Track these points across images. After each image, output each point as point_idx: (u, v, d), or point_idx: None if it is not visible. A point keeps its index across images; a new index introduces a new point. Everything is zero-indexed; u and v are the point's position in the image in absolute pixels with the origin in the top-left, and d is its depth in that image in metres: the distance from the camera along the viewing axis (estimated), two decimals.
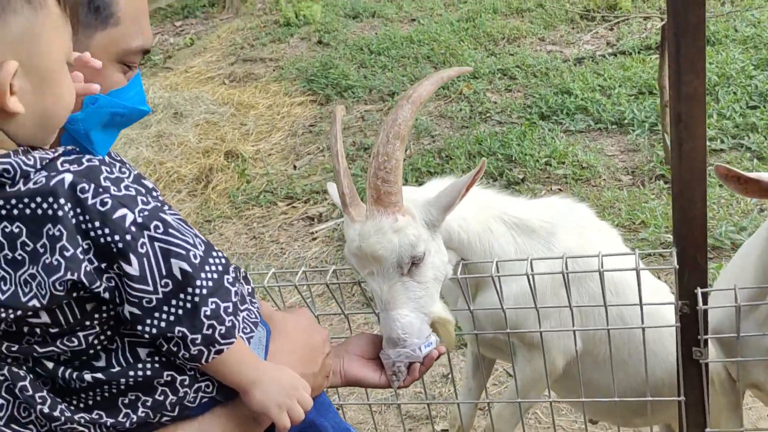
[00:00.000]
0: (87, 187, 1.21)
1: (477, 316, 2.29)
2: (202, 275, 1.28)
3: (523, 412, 2.46)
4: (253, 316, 1.49)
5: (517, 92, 6.89)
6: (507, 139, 5.86)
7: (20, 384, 1.31)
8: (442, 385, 3.81)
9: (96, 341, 1.30)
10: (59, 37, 1.22)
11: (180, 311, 1.27)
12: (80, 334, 1.29)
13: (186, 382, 1.37)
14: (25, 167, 1.20)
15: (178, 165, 6.47)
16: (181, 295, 1.27)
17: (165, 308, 1.27)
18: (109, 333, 1.31)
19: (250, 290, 1.51)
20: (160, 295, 1.26)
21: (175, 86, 8.07)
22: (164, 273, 1.25)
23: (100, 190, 1.22)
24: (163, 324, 1.27)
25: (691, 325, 1.88)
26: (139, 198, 1.25)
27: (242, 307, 1.42)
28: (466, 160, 5.75)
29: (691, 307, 1.85)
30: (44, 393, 1.33)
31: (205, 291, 1.28)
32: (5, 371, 1.32)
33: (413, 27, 8.89)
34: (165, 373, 1.35)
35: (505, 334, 2.11)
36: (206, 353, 1.31)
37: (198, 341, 1.30)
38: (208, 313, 1.29)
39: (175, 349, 1.30)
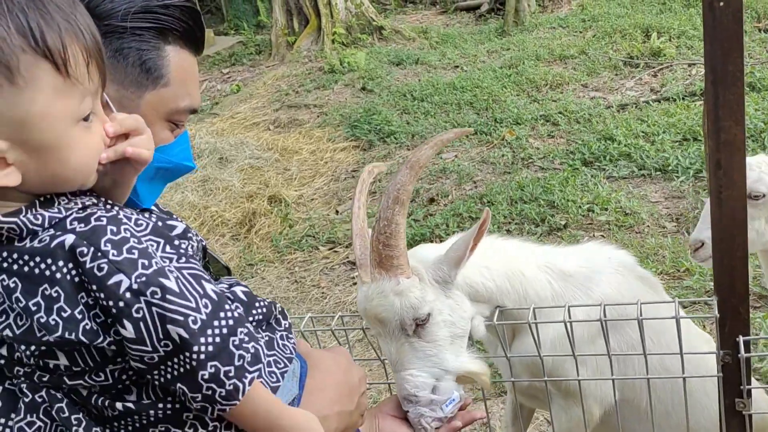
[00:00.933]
0: (86, 251, 1.23)
1: (513, 363, 2.28)
2: (202, 340, 1.28)
3: None
4: (288, 351, 1.50)
5: (559, 138, 6.88)
6: (549, 185, 5.84)
7: (57, 406, 1.34)
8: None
9: (125, 377, 1.33)
10: (58, 103, 1.22)
11: (180, 370, 1.28)
12: (107, 370, 1.31)
13: (214, 416, 1.38)
14: (31, 226, 1.24)
15: (223, 209, 6.56)
16: (180, 357, 1.27)
17: (168, 364, 1.28)
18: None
19: (287, 325, 1.54)
20: (162, 353, 1.27)
21: (221, 132, 8.21)
22: (161, 336, 1.26)
23: (99, 254, 1.23)
24: (168, 377, 1.29)
25: (733, 374, 1.85)
26: (140, 261, 1.26)
27: (253, 368, 1.38)
28: (508, 206, 5.74)
29: (733, 357, 1.82)
30: (80, 416, 1.35)
31: (203, 356, 1.28)
32: (43, 393, 1.34)
33: (456, 74, 8.96)
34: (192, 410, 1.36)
35: (542, 382, 2.09)
36: (210, 409, 1.32)
37: (198, 399, 1.30)
38: (206, 377, 1.29)
39: (183, 398, 1.32)
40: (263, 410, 1.38)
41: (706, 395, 2.30)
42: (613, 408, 2.30)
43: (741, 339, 1.80)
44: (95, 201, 1.35)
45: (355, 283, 5.37)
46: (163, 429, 1.37)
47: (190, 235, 1.39)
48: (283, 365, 1.47)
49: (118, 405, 1.33)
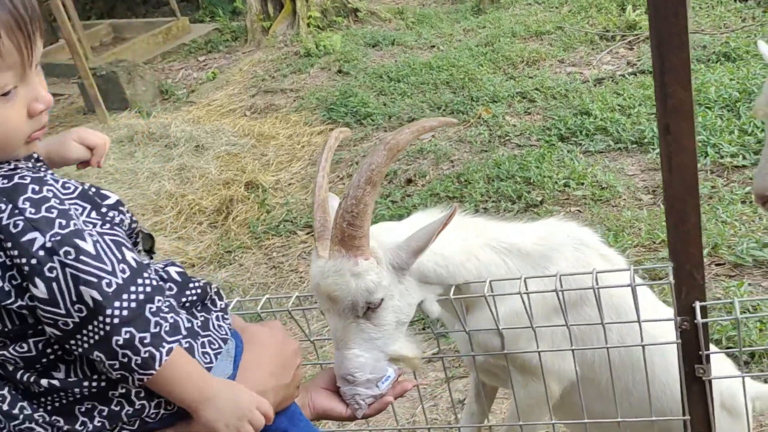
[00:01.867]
0: (4, 207, 1.24)
1: (467, 339, 2.27)
2: (116, 304, 1.27)
3: None
4: (223, 331, 1.50)
5: (536, 114, 6.87)
6: (526, 162, 5.83)
7: None
8: (459, 410, 3.76)
9: (49, 350, 1.32)
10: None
11: (96, 337, 1.28)
12: (30, 340, 1.31)
13: (141, 395, 1.38)
14: None
15: (200, 197, 6.52)
16: (95, 322, 1.27)
17: (83, 331, 1.27)
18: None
19: (223, 306, 1.54)
20: (77, 319, 1.26)
21: (198, 120, 8.15)
22: (75, 299, 1.25)
23: (16, 211, 1.24)
24: (85, 345, 1.28)
25: (691, 341, 1.84)
26: (57, 221, 1.25)
27: (171, 338, 1.37)
28: (485, 184, 5.72)
29: (691, 323, 1.81)
30: (4, 391, 1.35)
31: (117, 321, 1.27)
32: None
33: (433, 53, 8.92)
34: (119, 385, 1.36)
35: (498, 358, 2.08)
36: (129, 378, 1.32)
37: (116, 366, 1.30)
38: (121, 342, 1.28)
39: (103, 369, 1.31)
40: (185, 381, 1.37)
41: (666, 371, 2.27)
42: (572, 386, 2.28)
43: (698, 305, 1.78)
44: (30, 165, 1.34)
45: None
46: (89, 406, 1.37)
47: (122, 209, 1.39)
48: (217, 346, 1.47)
49: (44, 381, 1.33)
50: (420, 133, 2.02)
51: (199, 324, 1.47)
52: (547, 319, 2.14)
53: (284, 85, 8.81)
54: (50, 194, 1.28)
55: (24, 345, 1.31)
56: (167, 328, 1.35)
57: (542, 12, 9.49)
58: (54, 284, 1.24)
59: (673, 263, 1.78)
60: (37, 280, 1.24)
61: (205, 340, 1.46)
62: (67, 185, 1.32)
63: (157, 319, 1.33)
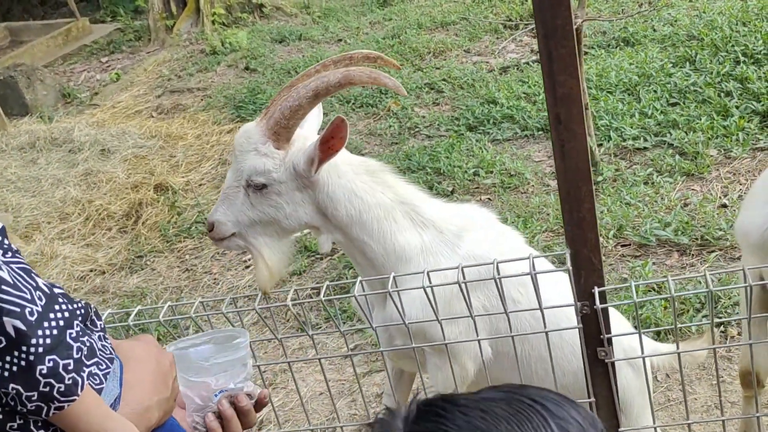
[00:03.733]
0: None
1: (387, 328, 2.29)
2: (39, 332, 1.24)
3: None
4: (108, 351, 1.47)
5: (444, 105, 6.92)
6: (435, 153, 5.87)
7: None
8: (377, 405, 3.77)
9: None
10: None
11: (14, 368, 1.23)
12: None
13: (39, 424, 1.33)
14: None
15: (108, 202, 6.36)
16: (15, 353, 1.22)
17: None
18: None
19: (102, 326, 1.50)
20: None
21: (102, 123, 7.95)
22: None
23: None
24: None
25: (592, 325, 1.88)
26: None
27: (90, 362, 1.36)
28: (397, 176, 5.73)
29: (591, 307, 1.84)
30: None
31: (41, 349, 1.24)
32: None
33: (340, 47, 8.90)
34: (17, 417, 1.31)
35: (416, 342, 2.09)
36: (45, 409, 1.27)
37: (34, 398, 1.25)
38: (45, 371, 1.25)
39: (12, 403, 1.26)
40: (93, 411, 1.33)
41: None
42: (488, 362, 2.32)
43: (596, 290, 1.82)
44: None
45: (247, 267, 5.30)
46: None
47: (7, 233, 1.34)
48: (104, 366, 1.43)
49: None
50: (375, 81, 2.21)
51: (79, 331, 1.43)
52: (457, 298, 2.18)
53: (191, 84, 8.67)
54: None
55: None
56: (86, 352, 1.33)
57: (447, 2, 9.57)
58: None
59: (571, 249, 1.81)
60: None
61: (93, 369, 1.41)
62: None
63: (78, 344, 1.31)
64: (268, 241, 2.22)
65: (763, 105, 5.36)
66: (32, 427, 1.33)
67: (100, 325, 1.50)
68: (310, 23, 10.07)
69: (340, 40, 9.23)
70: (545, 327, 1.91)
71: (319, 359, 2.15)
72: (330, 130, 2.11)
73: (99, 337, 1.48)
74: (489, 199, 5.27)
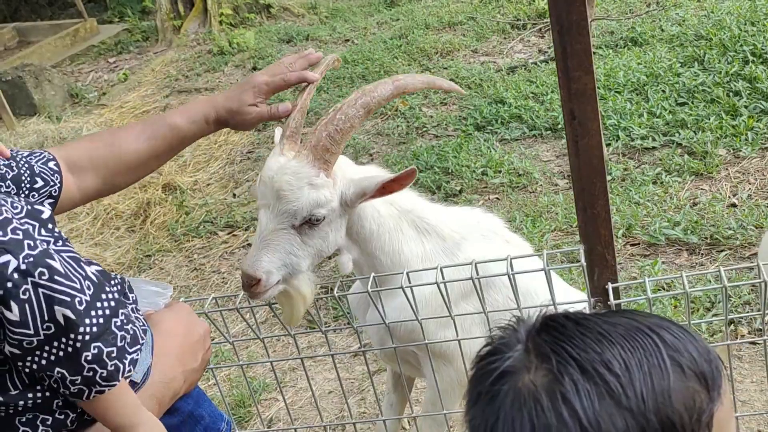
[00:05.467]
0: None
1: (377, 329, 2.28)
2: (87, 321, 1.29)
3: (445, 421, 2.44)
4: (140, 323, 1.52)
5: (452, 105, 6.92)
6: (443, 152, 5.87)
7: None
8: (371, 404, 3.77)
9: None
10: None
11: (60, 353, 1.28)
12: None
13: (59, 403, 1.38)
14: None
15: (116, 201, 6.38)
16: (63, 339, 1.27)
17: (46, 348, 1.27)
18: (1, 356, 1.31)
19: (134, 299, 1.56)
20: (42, 337, 1.26)
21: (110, 123, 7.97)
22: (46, 318, 1.25)
23: None
24: (43, 362, 1.28)
25: None
26: (26, 242, 1.25)
27: (132, 349, 1.41)
28: None
29: (604, 304, 1.84)
30: None
31: (88, 337, 1.29)
32: None
33: (347, 47, 8.91)
34: (37, 391, 1.36)
35: (409, 346, 2.10)
36: (86, 392, 1.32)
37: (78, 382, 1.31)
38: (90, 357, 1.30)
39: (55, 385, 1.31)
40: (124, 400, 1.38)
41: None
42: None
43: (610, 286, 1.82)
44: None
45: None
46: (30, 416, 1.36)
47: (51, 226, 1.39)
48: (142, 324, 1.49)
49: None
50: (428, 86, 2.10)
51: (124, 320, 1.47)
52: (455, 305, 2.17)
53: (198, 84, 8.68)
54: (9, 215, 1.28)
55: None
56: (129, 340, 1.38)
57: (454, 3, 9.57)
58: (27, 306, 1.24)
59: (585, 245, 1.82)
60: (12, 303, 1.23)
61: (135, 356, 1.46)
62: (15, 205, 1.32)
63: (122, 333, 1.36)
64: (306, 278, 2.09)
65: None
66: (53, 407, 1.37)
67: (133, 297, 1.56)
68: (318, 23, 10.08)
69: (348, 40, 9.24)
70: None
71: (332, 355, 2.15)
72: (400, 177, 2.02)
73: (132, 309, 1.54)
74: (497, 198, 5.27)
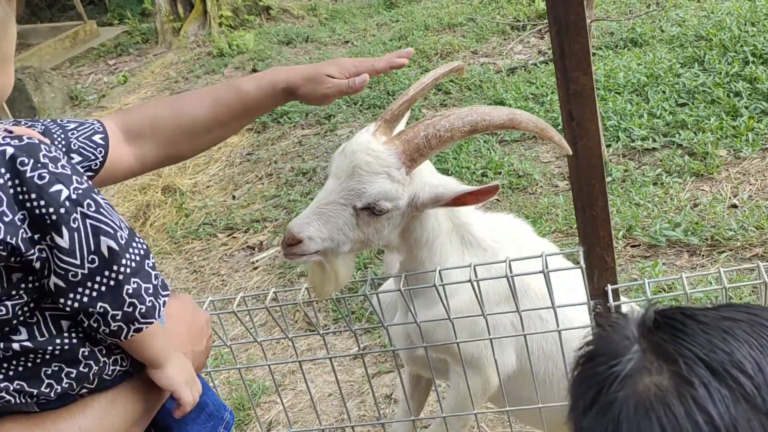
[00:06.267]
0: (26, 161, 1.28)
1: (410, 334, 2.27)
2: (127, 255, 1.34)
3: (462, 428, 2.43)
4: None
5: (451, 106, 6.90)
6: (443, 154, 5.85)
7: None
8: (386, 406, 3.76)
9: (20, 311, 1.35)
10: (11, 19, 1.36)
11: (103, 288, 1.33)
12: (8, 303, 1.33)
13: (104, 352, 1.44)
14: None
15: (115, 204, 6.36)
16: (106, 272, 1.33)
17: (89, 283, 1.33)
18: (32, 305, 1.35)
19: (162, 278, 1.58)
20: (86, 271, 1.31)
21: None
22: (92, 249, 1.31)
23: (39, 165, 1.29)
24: (86, 299, 1.33)
25: None
26: (74, 177, 1.32)
27: (164, 293, 1.47)
28: None
29: (604, 305, 1.83)
30: None
31: (129, 270, 1.34)
32: None
33: (347, 49, 8.90)
34: (86, 343, 1.41)
35: (440, 351, 2.08)
36: (125, 330, 1.38)
37: (118, 317, 1.36)
38: (130, 291, 1.35)
39: (95, 324, 1.36)
40: (158, 337, 1.45)
41: None
42: (509, 377, 2.31)
43: (609, 288, 1.81)
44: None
45: (255, 268, 5.30)
46: (56, 368, 1.39)
47: (85, 178, 1.42)
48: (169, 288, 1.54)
49: (15, 345, 1.35)
50: (539, 132, 1.95)
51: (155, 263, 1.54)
52: (489, 311, 2.16)
53: (198, 86, 8.67)
54: (59, 155, 1.34)
55: (1, 308, 1.32)
56: (160, 283, 1.44)
57: (454, 4, 9.56)
58: (76, 234, 1.29)
59: (584, 247, 1.80)
60: (63, 230, 1.28)
61: (166, 293, 1.50)
62: (58, 151, 1.37)
63: (156, 272, 1.42)
64: (347, 259, 2.05)
65: None
66: (98, 355, 1.43)
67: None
68: (317, 25, 10.08)
69: (347, 42, 9.23)
70: (558, 326, 1.90)
71: (330, 359, 2.14)
72: (481, 192, 1.97)
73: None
74: (497, 200, 5.25)
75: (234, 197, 6.32)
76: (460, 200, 2.00)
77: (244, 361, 4.28)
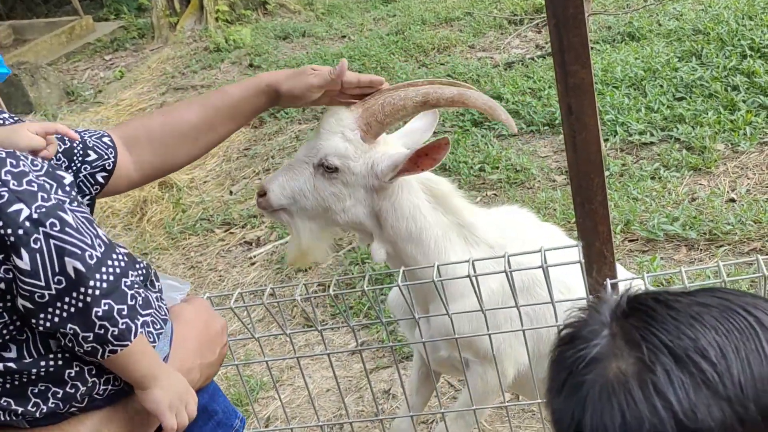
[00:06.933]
0: None
1: (432, 335, 2.27)
2: (97, 276, 1.31)
3: (475, 423, 2.43)
4: (163, 312, 1.53)
5: None
6: None
7: None
8: (384, 402, 3.76)
9: (5, 330, 1.33)
10: None
11: (72, 309, 1.30)
12: None
13: (93, 372, 1.41)
14: None
15: (112, 199, 6.35)
16: (74, 294, 1.29)
17: (58, 304, 1.30)
18: (18, 323, 1.33)
19: (160, 287, 1.57)
20: (53, 291, 1.28)
21: (106, 120, 7.94)
22: (57, 270, 1.28)
23: None
24: (56, 319, 1.30)
25: None
26: (39, 194, 1.28)
27: (144, 312, 1.44)
28: None
29: None
30: None
31: (98, 292, 1.31)
32: None
33: (344, 44, 8.88)
34: (74, 364, 1.39)
35: (458, 347, 2.08)
36: (100, 350, 1.35)
37: (90, 339, 1.33)
38: (100, 314, 1.32)
39: (69, 344, 1.34)
40: (142, 357, 1.41)
41: None
42: (521, 370, 2.32)
43: (608, 282, 1.80)
44: None
45: (252, 264, 5.29)
46: (43, 387, 1.38)
47: (68, 189, 1.40)
48: (159, 326, 1.50)
49: None
50: (487, 110, 2.14)
51: (143, 302, 1.49)
52: (505, 304, 2.17)
53: (194, 81, 8.65)
54: (27, 169, 1.29)
55: None
56: (140, 302, 1.41)
57: None
58: (38, 255, 1.26)
59: (582, 242, 1.79)
60: (23, 251, 1.25)
61: (149, 319, 1.48)
62: (35, 162, 1.34)
63: (133, 293, 1.38)
64: (313, 227, 2.16)
65: None
66: (86, 375, 1.40)
67: (158, 286, 1.57)
68: (314, 20, 10.06)
69: (344, 36, 9.21)
70: (557, 321, 1.89)
71: (328, 354, 2.13)
72: (431, 146, 2.02)
73: (156, 297, 1.55)
74: (495, 194, 5.25)
75: (231, 192, 6.30)
76: (417, 164, 2.06)
77: (242, 357, 4.27)
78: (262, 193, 2.18)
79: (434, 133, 2.38)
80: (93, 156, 1.70)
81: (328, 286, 2.01)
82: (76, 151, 1.68)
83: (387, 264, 2.34)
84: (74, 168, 1.66)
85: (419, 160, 2.05)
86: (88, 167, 1.69)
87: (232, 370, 4.19)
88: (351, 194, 2.11)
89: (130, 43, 10.61)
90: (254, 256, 5.35)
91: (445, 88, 2.02)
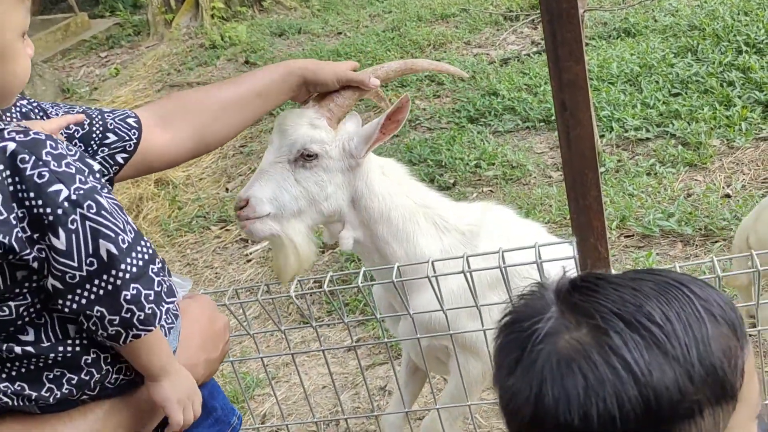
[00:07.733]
0: (27, 158, 1.26)
1: (408, 325, 2.27)
2: (128, 260, 1.33)
3: (459, 415, 2.43)
4: (174, 308, 1.54)
5: (445, 97, 6.89)
6: (436, 145, 5.84)
7: None
8: (380, 398, 3.76)
9: (25, 312, 1.34)
10: (13, 13, 1.27)
11: (101, 291, 1.31)
12: (11, 303, 1.32)
13: (108, 360, 1.42)
14: None
15: None
16: (104, 276, 1.31)
17: (87, 286, 1.31)
18: (38, 306, 1.35)
19: (170, 283, 1.56)
20: (84, 273, 1.30)
21: None
22: (91, 252, 1.29)
23: (40, 163, 1.27)
24: (83, 301, 1.31)
25: None
26: (78, 177, 1.30)
27: (168, 299, 1.46)
28: None
29: None
30: None
31: (128, 276, 1.32)
32: None
33: (340, 40, 8.87)
34: (91, 350, 1.40)
35: (440, 339, 2.09)
36: (123, 335, 1.35)
37: (116, 322, 1.34)
38: (129, 297, 1.33)
39: (93, 327, 1.34)
40: (158, 348, 1.42)
41: None
42: None
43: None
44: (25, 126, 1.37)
45: (249, 261, 5.29)
46: (58, 373, 1.39)
47: (98, 176, 1.41)
48: (171, 321, 1.50)
49: (17, 349, 1.34)
50: (435, 68, 2.32)
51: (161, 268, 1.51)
52: (482, 296, 2.17)
53: (190, 78, 8.64)
54: (64, 152, 1.31)
55: (5, 308, 1.32)
56: (165, 290, 1.42)
57: None
58: (73, 236, 1.28)
59: (577, 237, 1.80)
60: (60, 231, 1.27)
61: (171, 307, 1.50)
62: (69, 147, 1.35)
63: (159, 279, 1.39)
64: (303, 229, 2.19)
65: (765, 95, 5.33)
66: (102, 362, 1.42)
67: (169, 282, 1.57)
68: (310, 16, 10.04)
69: (340, 33, 9.20)
70: None
71: (323, 351, 2.13)
72: (395, 109, 2.14)
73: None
74: (491, 191, 5.25)
75: (227, 190, 6.30)
76: (386, 130, 2.19)
77: (238, 353, 4.27)
78: (243, 204, 2.19)
79: (409, 120, 2.44)
80: (112, 138, 1.72)
81: (324, 283, 2.02)
82: (94, 135, 1.71)
83: (354, 254, 2.41)
84: (90, 152, 1.69)
85: (385, 125, 2.18)
86: (106, 149, 1.72)
87: (227, 367, 4.19)
88: (330, 180, 2.19)
89: (125, 40, 10.59)
90: (250, 254, 5.35)
91: (392, 63, 2.17)
